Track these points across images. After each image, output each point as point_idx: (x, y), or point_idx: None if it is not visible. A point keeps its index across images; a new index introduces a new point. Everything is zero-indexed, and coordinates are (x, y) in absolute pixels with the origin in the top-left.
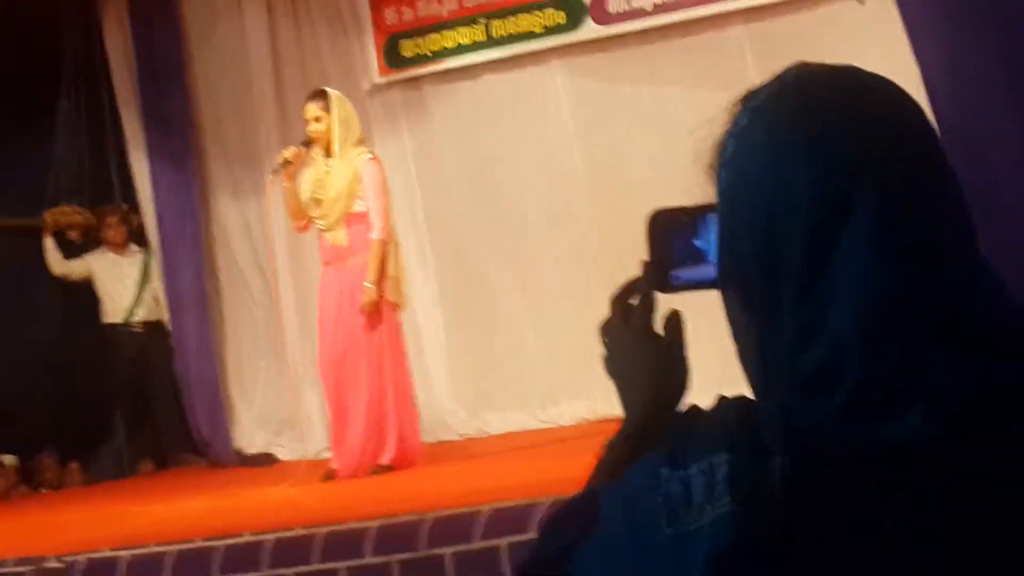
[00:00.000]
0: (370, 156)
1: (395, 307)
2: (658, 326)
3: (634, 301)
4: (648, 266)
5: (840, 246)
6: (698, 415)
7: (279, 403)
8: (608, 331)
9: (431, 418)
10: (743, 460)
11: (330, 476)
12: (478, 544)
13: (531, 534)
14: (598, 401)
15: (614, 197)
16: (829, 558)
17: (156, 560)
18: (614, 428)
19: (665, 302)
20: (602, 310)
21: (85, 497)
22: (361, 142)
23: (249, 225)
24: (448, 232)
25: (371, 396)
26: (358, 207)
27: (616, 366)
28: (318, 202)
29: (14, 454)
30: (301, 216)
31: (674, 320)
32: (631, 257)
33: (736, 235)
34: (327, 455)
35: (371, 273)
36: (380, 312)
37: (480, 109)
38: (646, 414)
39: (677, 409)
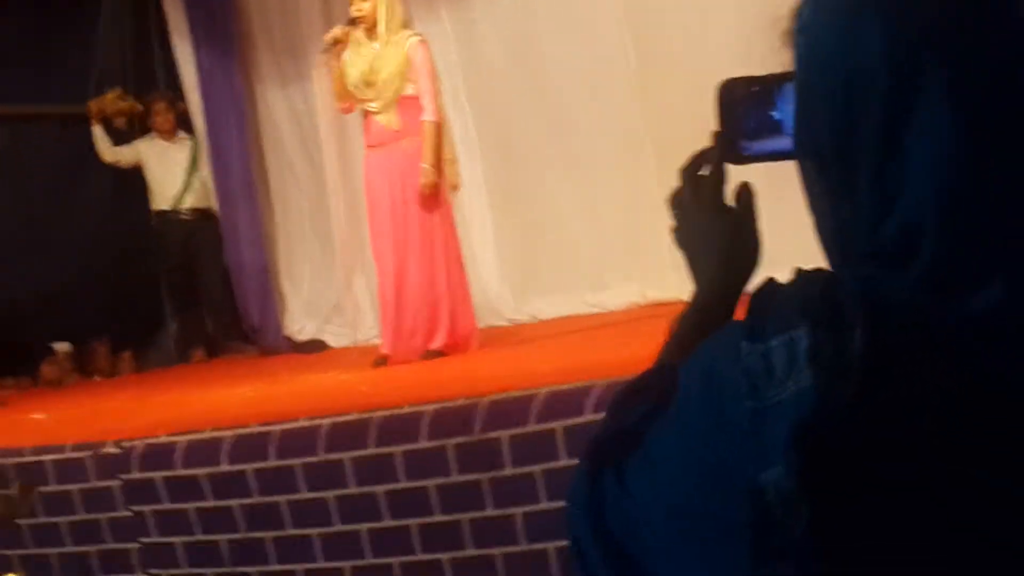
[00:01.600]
0: (419, 38)
1: (450, 190)
2: (728, 198)
3: (704, 172)
4: (718, 136)
5: (917, 114)
6: (776, 288)
7: (328, 290)
8: (677, 203)
9: (479, 303)
10: (824, 333)
11: (382, 362)
12: (533, 427)
13: (586, 417)
14: (648, 285)
15: (664, 76)
16: (909, 434)
17: (213, 445)
18: (665, 311)
19: (736, 173)
20: (651, 192)
21: (138, 384)
22: (406, 24)
23: (295, 112)
24: (492, 115)
25: (424, 280)
26: (409, 90)
27: (686, 238)
28: (370, 84)
29: (69, 342)
30: (347, 98)
31: (745, 192)
32: (681, 137)
33: (812, 104)
34: (377, 341)
35: (428, 156)
36: (436, 195)
37: None
38: (717, 287)
39: (748, 282)
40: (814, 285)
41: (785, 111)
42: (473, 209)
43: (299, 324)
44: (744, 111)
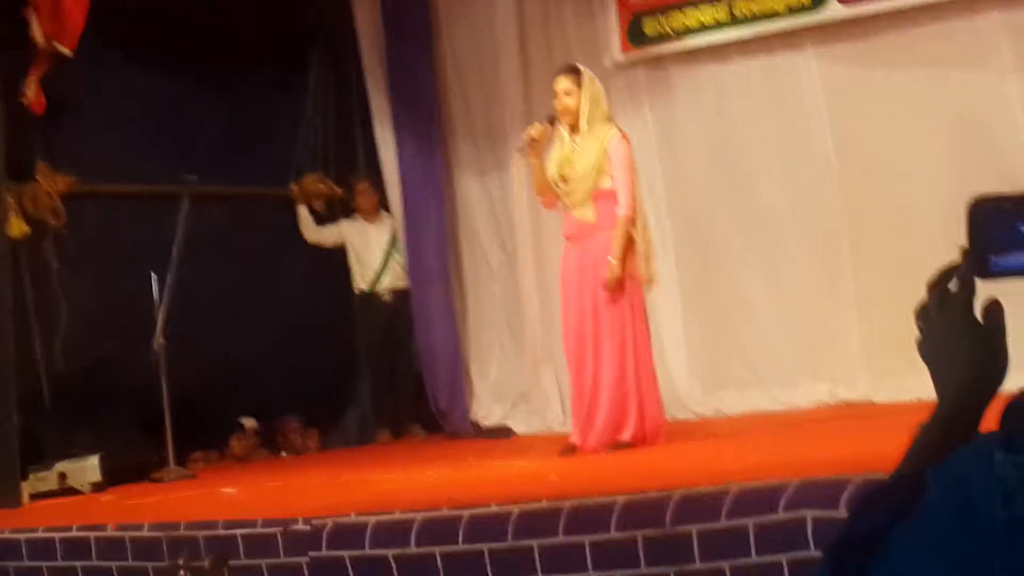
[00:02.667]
0: (619, 133)
1: (641, 283)
2: (977, 313)
3: (952, 287)
4: (968, 252)
5: None
6: None
7: (516, 377)
8: (924, 316)
9: (666, 396)
10: None
11: (569, 450)
12: (724, 523)
13: (779, 515)
14: (837, 385)
15: (863, 176)
16: None
17: (403, 526)
18: (854, 412)
19: (983, 289)
20: (844, 292)
21: (325, 462)
22: (609, 119)
23: (491, 200)
24: (688, 211)
25: (614, 371)
26: (605, 184)
27: (932, 351)
28: (565, 178)
29: (257, 418)
30: (548, 192)
31: (995, 307)
32: (879, 244)
33: None
34: (563, 430)
35: (616, 249)
36: (623, 287)
37: (727, 90)
38: (963, 399)
39: (994, 397)
40: None
41: None
42: (664, 302)
43: (485, 409)
44: (993, 227)
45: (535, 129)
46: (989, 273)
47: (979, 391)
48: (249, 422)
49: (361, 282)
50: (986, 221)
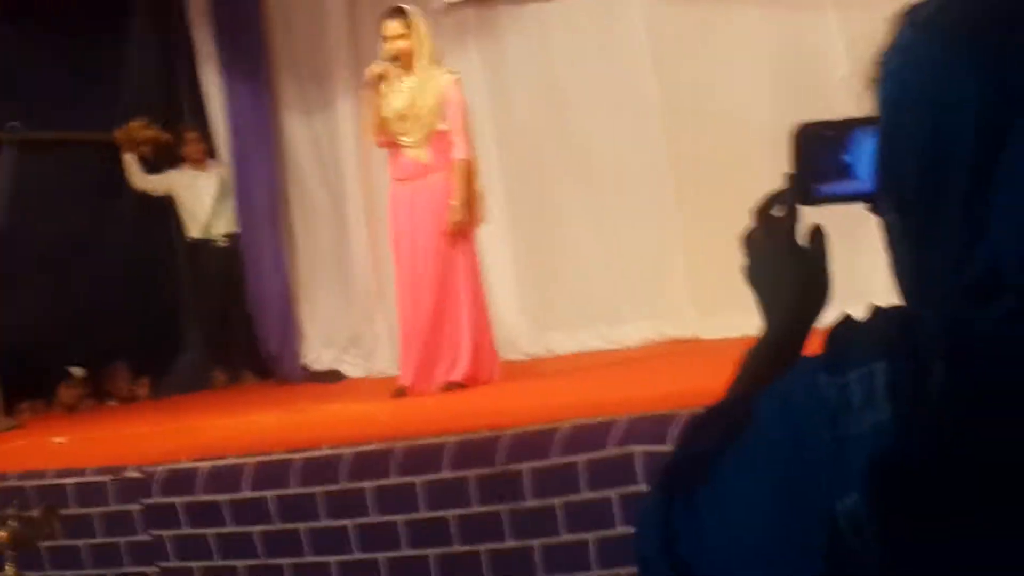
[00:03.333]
0: (455, 76)
1: (475, 225)
2: (801, 238)
3: (776, 213)
4: (793, 178)
5: (1007, 154)
6: (853, 323)
7: (345, 321)
8: (750, 242)
9: (497, 337)
10: (903, 366)
11: (401, 392)
12: (555, 460)
13: (609, 451)
14: (665, 322)
15: (686, 115)
16: (990, 470)
17: (235, 471)
18: (681, 348)
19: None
20: (671, 230)
21: (156, 411)
22: (438, 60)
23: (318, 141)
24: (517, 152)
25: (447, 311)
26: (440, 126)
27: (758, 276)
28: (405, 118)
29: (85, 367)
30: (383, 131)
31: (818, 233)
32: (703, 181)
33: (897, 147)
34: (393, 373)
35: (458, 192)
36: (462, 231)
37: (552, 29)
38: (788, 324)
39: (818, 321)
40: (892, 321)
41: (856, 155)
42: (492, 242)
43: (315, 353)
44: (817, 154)
45: (379, 66)
46: (812, 199)
47: (803, 315)
48: (77, 371)
49: (192, 230)
50: (809, 147)
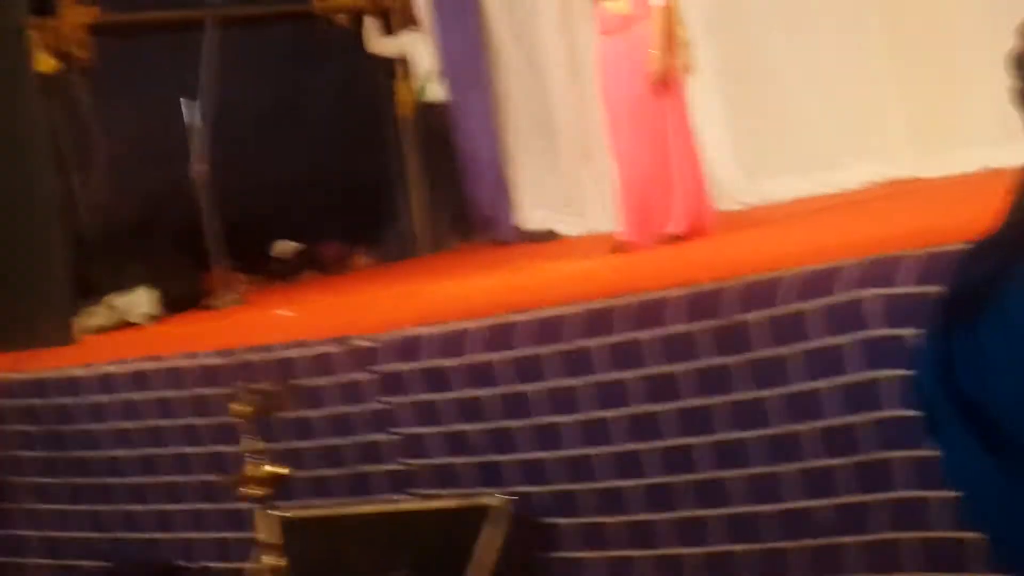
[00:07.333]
0: None
1: (683, 73)
2: None
3: None
4: None
5: None
6: None
7: (556, 180)
8: (1019, 62)
9: (710, 187)
10: None
11: (619, 248)
12: (783, 308)
13: (837, 297)
14: (883, 163)
15: None
16: None
17: (462, 336)
18: (901, 189)
19: None
20: (882, 68)
21: (373, 279)
22: None
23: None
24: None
25: (660, 165)
26: None
27: None
28: None
29: (299, 239)
30: None
31: None
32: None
33: None
34: (605, 230)
35: (657, 40)
36: (667, 80)
37: None
38: None
39: None
40: None
41: None
42: (702, 92)
43: (528, 213)
44: None
45: None
46: None
47: None
48: (291, 244)
49: (420, 93)
50: None
